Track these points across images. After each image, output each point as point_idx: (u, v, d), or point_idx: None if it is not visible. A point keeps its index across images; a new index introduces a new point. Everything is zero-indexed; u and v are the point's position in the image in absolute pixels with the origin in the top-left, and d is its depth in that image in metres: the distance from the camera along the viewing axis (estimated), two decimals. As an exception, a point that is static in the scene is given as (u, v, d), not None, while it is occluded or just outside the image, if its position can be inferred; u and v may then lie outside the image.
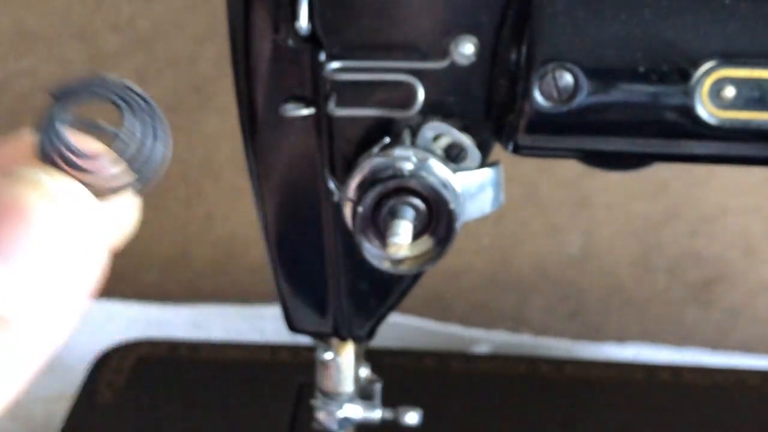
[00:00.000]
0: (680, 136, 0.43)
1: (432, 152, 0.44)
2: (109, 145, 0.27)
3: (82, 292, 0.26)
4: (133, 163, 0.27)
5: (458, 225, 0.44)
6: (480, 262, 0.80)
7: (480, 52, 0.43)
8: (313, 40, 0.43)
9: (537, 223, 0.79)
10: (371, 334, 0.53)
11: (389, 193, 0.43)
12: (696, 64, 0.41)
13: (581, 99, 0.42)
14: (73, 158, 0.26)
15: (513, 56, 0.43)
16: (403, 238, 0.42)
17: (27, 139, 0.27)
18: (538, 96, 0.42)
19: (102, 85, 0.26)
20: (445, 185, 0.43)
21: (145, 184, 0.27)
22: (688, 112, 0.42)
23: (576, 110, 0.42)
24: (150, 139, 0.27)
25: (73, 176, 0.26)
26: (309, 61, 0.43)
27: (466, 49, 0.43)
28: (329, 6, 0.42)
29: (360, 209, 0.44)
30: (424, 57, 0.43)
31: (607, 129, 0.43)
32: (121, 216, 0.27)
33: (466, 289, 0.81)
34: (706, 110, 0.42)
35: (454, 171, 0.44)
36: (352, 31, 0.43)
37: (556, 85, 0.42)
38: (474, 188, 0.45)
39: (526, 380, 0.69)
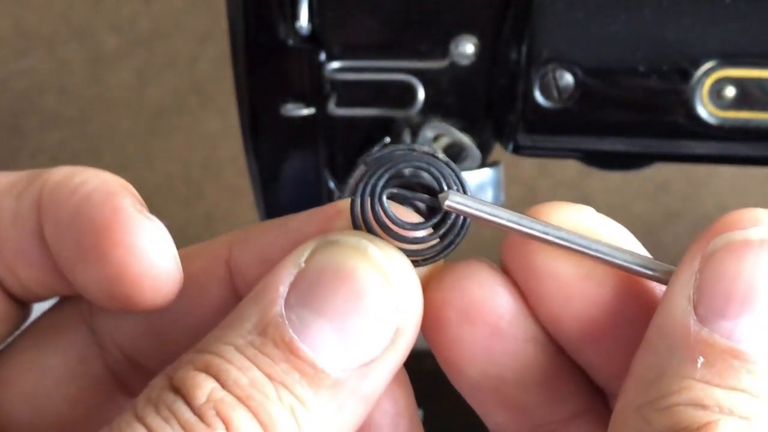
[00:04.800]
0: (680, 136, 0.43)
1: (432, 152, 0.44)
2: (421, 213, 0.27)
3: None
4: (446, 233, 0.27)
5: (458, 225, 0.44)
6: (480, 262, 0.80)
7: (480, 52, 0.43)
8: (313, 40, 0.43)
9: (537, 223, 0.79)
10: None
11: (389, 193, 0.43)
12: (696, 64, 0.41)
13: (581, 99, 0.42)
14: (393, 227, 0.26)
15: (513, 56, 0.43)
16: (403, 238, 0.42)
17: (339, 205, 0.27)
18: (538, 96, 0.42)
19: (411, 156, 0.26)
20: (445, 185, 0.43)
21: (452, 251, 0.27)
22: (688, 112, 0.42)
23: (576, 110, 0.42)
24: None
25: (392, 244, 0.26)
26: (309, 61, 0.43)
27: (466, 49, 0.43)
28: (329, 6, 0.42)
29: (360, 209, 0.44)
30: (424, 57, 0.43)
31: (608, 129, 0.43)
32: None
33: (466, 289, 0.81)
34: (706, 110, 0.42)
35: (454, 171, 0.44)
36: (352, 31, 0.43)
37: (556, 85, 0.42)
38: (474, 188, 0.45)
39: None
